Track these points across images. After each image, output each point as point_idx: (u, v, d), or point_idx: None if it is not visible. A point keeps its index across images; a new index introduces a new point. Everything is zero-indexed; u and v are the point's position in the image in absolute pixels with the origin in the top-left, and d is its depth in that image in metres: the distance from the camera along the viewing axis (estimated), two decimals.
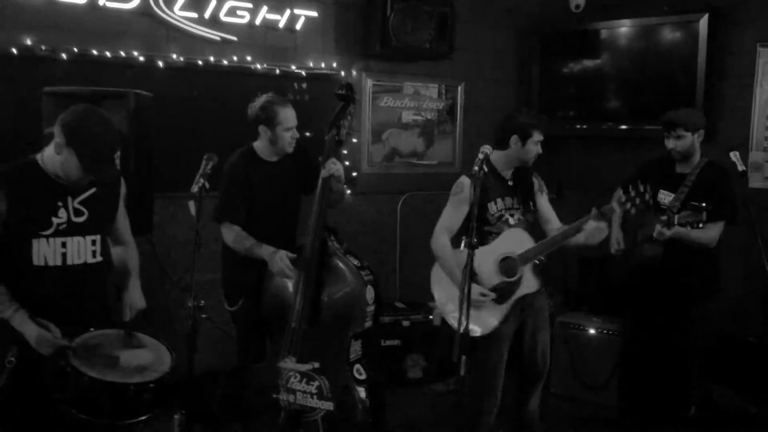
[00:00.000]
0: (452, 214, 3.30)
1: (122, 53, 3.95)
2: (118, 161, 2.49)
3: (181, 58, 4.12)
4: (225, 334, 3.86)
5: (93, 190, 2.54)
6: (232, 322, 3.49)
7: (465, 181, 3.28)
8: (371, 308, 3.17)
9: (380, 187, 5.02)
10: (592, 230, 3.13)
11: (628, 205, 3.05)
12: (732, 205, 3.59)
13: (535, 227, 3.40)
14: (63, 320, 2.41)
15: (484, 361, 3.30)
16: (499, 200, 3.31)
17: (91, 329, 2.48)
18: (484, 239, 3.22)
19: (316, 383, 3.05)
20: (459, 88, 5.31)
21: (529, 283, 3.27)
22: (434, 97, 5.23)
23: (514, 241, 3.25)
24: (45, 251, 2.43)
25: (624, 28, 5.06)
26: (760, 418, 4.12)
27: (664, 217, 3.41)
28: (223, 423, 3.59)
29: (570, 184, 5.23)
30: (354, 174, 4.82)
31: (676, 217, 3.38)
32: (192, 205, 2.68)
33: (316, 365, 3.04)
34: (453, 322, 3.21)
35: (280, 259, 3.07)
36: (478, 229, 2.85)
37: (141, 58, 4.00)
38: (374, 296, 3.18)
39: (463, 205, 3.25)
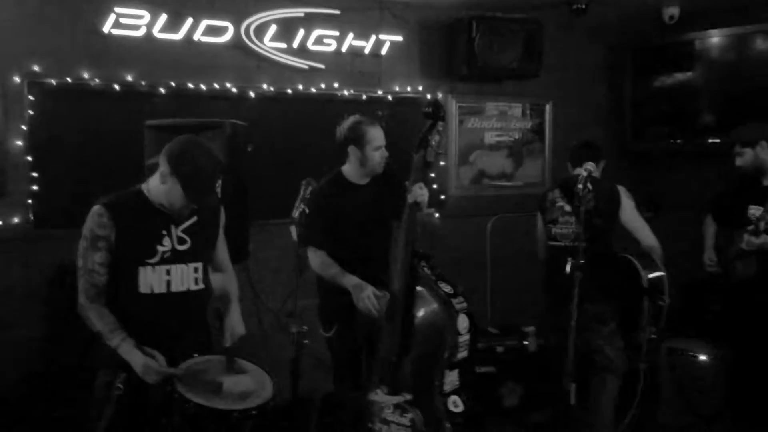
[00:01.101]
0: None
1: (216, 85, 4.07)
2: (219, 190, 2.51)
3: (272, 88, 4.22)
4: (318, 361, 3.85)
5: (195, 218, 2.58)
6: (328, 349, 3.47)
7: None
8: (465, 338, 2.99)
9: (469, 209, 4.94)
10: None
11: None
12: None
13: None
14: (166, 346, 2.44)
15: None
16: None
17: (195, 355, 2.50)
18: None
19: (410, 416, 2.96)
20: (547, 106, 5.21)
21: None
22: (520, 117, 5.14)
23: None
24: (151, 279, 2.48)
25: (718, 38, 4.85)
26: None
27: (752, 227, 3.38)
28: None
29: (666, 201, 5.03)
30: (442, 197, 4.76)
31: (762, 223, 3.32)
32: (294, 230, 2.69)
33: (408, 397, 2.96)
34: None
35: (367, 298, 3.00)
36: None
37: (234, 89, 4.11)
38: (468, 325, 3.01)
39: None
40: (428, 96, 4.68)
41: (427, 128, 3.06)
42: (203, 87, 4.04)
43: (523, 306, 4.83)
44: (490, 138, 5.05)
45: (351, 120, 3.31)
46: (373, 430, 3.04)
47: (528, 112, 5.19)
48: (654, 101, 5.24)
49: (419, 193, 2.99)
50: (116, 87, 3.84)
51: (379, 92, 4.52)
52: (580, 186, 2.78)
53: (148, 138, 3.40)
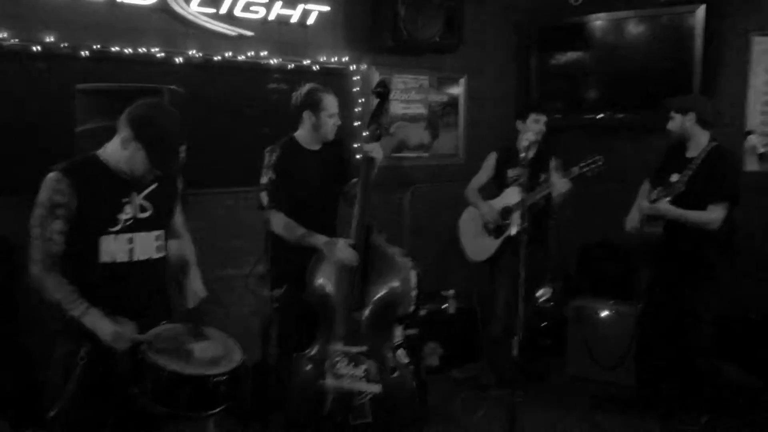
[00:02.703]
0: (480, 175, 4.62)
1: (141, 50, 3.93)
2: (183, 155, 2.49)
3: (199, 54, 4.12)
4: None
5: (155, 185, 2.55)
6: (274, 311, 3.52)
7: (492, 154, 4.62)
8: (415, 293, 3.27)
9: (390, 179, 5.07)
10: (556, 184, 4.12)
11: (585, 169, 4.06)
12: (730, 187, 3.74)
13: None
14: (129, 316, 2.42)
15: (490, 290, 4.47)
16: (516, 168, 4.38)
17: (164, 323, 2.49)
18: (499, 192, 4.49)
19: (364, 366, 3.12)
20: (461, 80, 5.41)
21: (514, 225, 4.29)
22: (439, 90, 5.32)
23: (511, 196, 4.38)
24: (113, 248, 2.44)
25: (620, 19, 5.22)
26: (765, 392, 4.34)
27: (648, 195, 3.84)
28: (260, 416, 3.63)
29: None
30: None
31: (654, 192, 3.77)
32: (263, 196, 2.71)
33: (365, 348, 3.13)
34: (474, 256, 4.60)
35: (343, 249, 3.16)
36: (499, 186, 4.53)
37: (160, 55, 3.98)
38: (416, 281, 3.28)
39: (487, 170, 4.60)
40: (353, 67, 4.75)
41: (377, 105, 3.38)
42: (128, 51, 3.88)
43: (441, 272, 5.07)
44: (414, 109, 5.19)
45: (308, 86, 3.44)
46: (326, 386, 3.15)
47: (447, 86, 5.38)
48: (559, 78, 5.59)
49: (374, 147, 3.30)
50: (35, 48, 3.62)
51: (306, 62, 4.54)
52: (523, 155, 2.99)
53: (80, 103, 3.26)
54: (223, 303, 4.06)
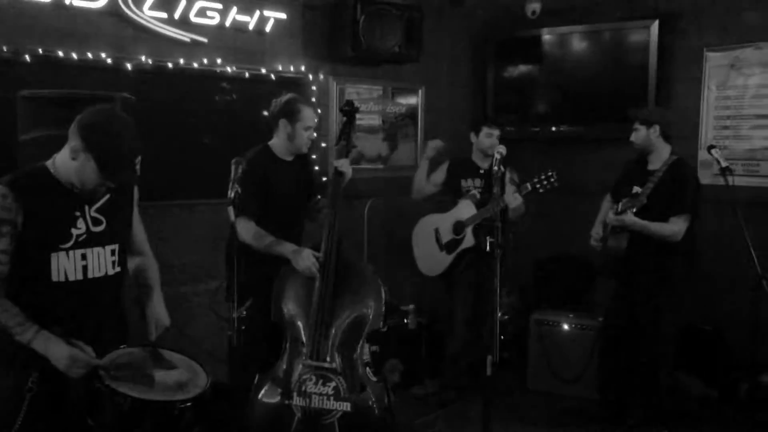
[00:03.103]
0: (424, 167, 4.64)
1: (89, 55, 3.72)
2: (138, 167, 2.32)
3: (150, 60, 3.93)
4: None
5: (108, 196, 2.37)
6: (235, 330, 3.35)
7: (445, 163, 4.66)
8: (383, 309, 3.19)
9: (347, 191, 4.92)
10: (510, 198, 4.03)
11: (537, 185, 4.00)
12: (691, 200, 3.77)
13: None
14: (84, 339, 2.23)
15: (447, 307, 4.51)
16: (470, 179, 4.49)
17: (123, 346, 2.31)
18: (446, 206, 4.48)
19: (333, 384, 3.00)
20: (420, 92, 5.35)
21: (468, 239, 4.32)
22: (397, 102, 5.24)
23: (464, 210, 4.36)
24: (65, 265, 2.25)
25: (576, 33, 5.26)
26: (721, 401, 4.38)
27: (616, 206, 3.84)
28: None
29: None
30: (324, 179, 4.74)
31: (620, 204, 3.78)
32: (231, 211, 2.56)
33: (334, 365, 3.02)
34: (426, 271, 4.57)
35: (307, 257, 3.09)
36: (452, 199, 4.50)
37: (109, 60, 3.78)
38: (385, 297, 3.22)
39: (439, 173, 4.63)
40: (310, 76, 4.63)
41: (345, 123, 3.44)
42: (74, 56, 3.67)
43: (400, 286, 4.97)
44: (371, 120, 5.09)
45: (288, 96, 3.43)
46: (293, 406, 2.99)
47: (405, 97, 5.31)
48: (515, 91, 5.59)
49: (344, 163, 3.31)
50: None
51: (263, 70, 4.39)
52: (495, 168, 2.95)
53: (23, 110, 3.04)
54: (177, 323, 3.84)
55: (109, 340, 2.33)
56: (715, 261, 4.44)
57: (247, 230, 3.18)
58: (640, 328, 3.91)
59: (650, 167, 3.89)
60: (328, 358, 3.03)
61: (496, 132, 4.41)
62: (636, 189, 3.88)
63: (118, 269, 2.40)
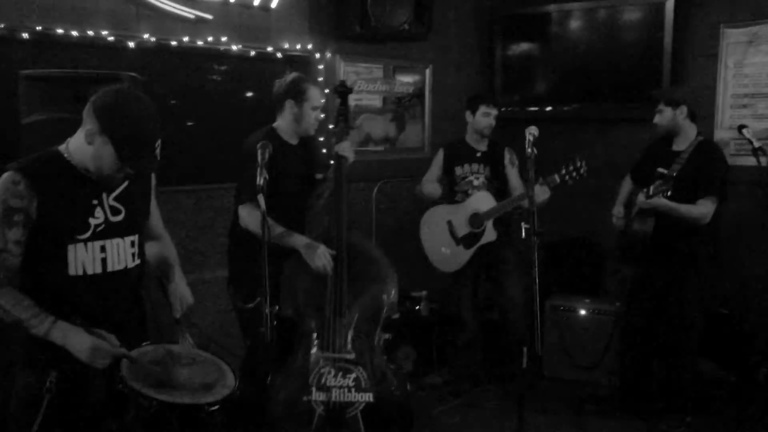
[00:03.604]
0: (432, 171, 4.37)
1: (90, 32, 3.52)
2: (158, 152, 2.15)
3: (153, 38, 3.73)
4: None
5: (126, 183, 2.21)
6: (243, 326, 3.22)
7: (440, 151, 4.40)
8: (397, 295, 3.15)
9: (355, 174, 4.78)
10: (539, 194, 3.63)
11: (566, 177, 3.73)
12: (719, 182, 3.65)
13: (505, 193, 4.17)
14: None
15: (454, 297, 4.31)
16: (466, 165, 4.21)
17: (145, 343, 2.16)
18: (452, 196, 4.25)
19: (353, 375, 2.90)
20: (427, 71, 5.18)
21: (489, 234, 4.08)
22: (405, 81, 5.07)
23: (483, 201, 4.09)
24: (83, 258, 2.09)
25: (587, 9, 5.09)
26: (739, 386, 4.30)
27: (646, 189, 3.61)
28: None
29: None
30: (331, 162, 4.58)
31: (652, 187, 3.56)
32: (261, 199, 2.40)
33: (353, 356, 2.94)
34: (442, 267, 4.27)
35: (322, 255, 2.95)
36: (448, 186, 4.29)
37: (110, 38, 3.59)
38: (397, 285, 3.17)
39: (436, 167, 4.35)
40: (317, 55, 4.45)
41: (340, 105, 3.32)
42: (74, 33, 3.47)
43: (411, 271, 4.82)
44: (379, 101, 4.92)
45: (293, 75, 3.26)
46: (312, 401, 2.88)
47: (413, 76, 5.13)
48: (524, 69, 5.43)
49: (346, 146, 3.20)
50: None
51: (269, 49, 4.21)
52: (529, 150, 2.81)
53: (25, 91, 2.85)
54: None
55: (130, 335, 2.17)
56: (731, 242, 4.36)
57: (255, 218, 2.92)
58: (665, 313, 3.81)
59: (676, 148, 3.76)
60: (348, 349, 2.93)
61: (494, 111, 4.15)
62: (661, 170, 3.76)
63: (138, 261, 2.25)
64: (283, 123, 3.24)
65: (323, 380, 2.88)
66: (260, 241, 2.85)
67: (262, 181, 2.42)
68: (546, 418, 3.96)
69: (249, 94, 4.19)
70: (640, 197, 3.62)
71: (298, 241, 3.03)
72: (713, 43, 4.67)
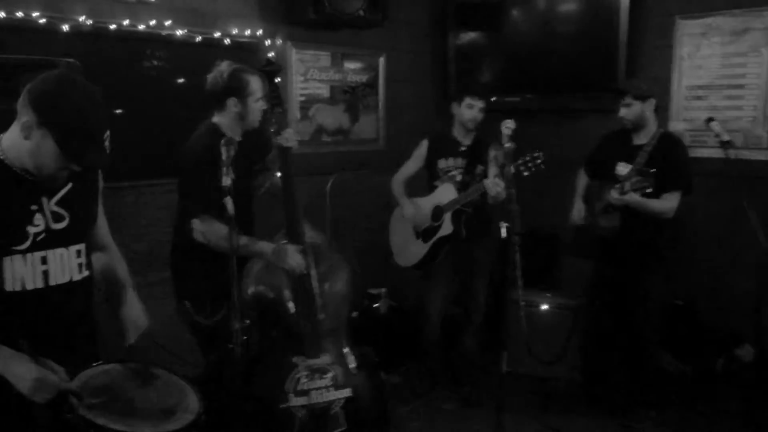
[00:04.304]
0: (409, 165, 4.18)
1: (19, 14, 3.19)
2: (107, 144, 1.90)
3: (90, 21, 3.42)
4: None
5: (70, 185, 1.96)
6: (201, 340, 2.99)
7: (424, 141, 4.16)
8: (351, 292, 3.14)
9: (309, 167, 4.58)
10: (490, 184, 3.66)
11: (522, 168, 3.48)
12: (687, 175, 3.62)
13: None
14: (47, 357, 1.83)
15: (422, 292, 4.15)
16: (450, 159, 4.04)
17: (95, 364, 1.92)
18: (431, 190, 4.06)
19: (330, 374, 2.87)
20: (381, 59, 4.99)
21: (446, 227, 3.94)
22: (358, 70, 4.88)
23: (444, 193, 3.97)
24: (21, 271, 1.84)
25: None
26: (697, 377, 4.32)
27: (619, 185, 3.52)
28: None
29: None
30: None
31: (628, 183, 3.47)
32: (229, 202, 2.16)
33: (329, 359, 2.90)
34: (402, 261, 4.17)
35: (293, 255, 2.80)
36: (429, 180, 4.10)
37: (41, 20, 3.26)
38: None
39: (418, 159, 4.15)
40: (267, 42, 4.20)
41: (271, 86, 3.05)
42: (2, 14, 3.14)
43: (368, 268, 4.66)
44: (332, 91, 4.71)
45: (227, 67, 2.94)
46: (291, 408, 2.80)
47: (366, 65, 4.93)
48: (478, 58, 5.31)
49: (290, 135, 3.01)
50: None
51: (216, 34, 3.94)
52: (507, 145, 2.68)
53: None
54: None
55: (79, 356, 1.94)
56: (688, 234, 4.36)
57: (215, 231, 2.71)
58: (627, 307, 3.76)
59: (637, 142, 3.70)
60: (320, 351, 2.86)
61: (479, 104, 3.96)
62: (621, 165, 3.69)
63: (86, 273, 2.01)
64: (225, 120, 2.96)
65: (299, 385, 2.82)
66: (219, 253, 2.67)
67: (228, 182, 2.18)
68: (513, 417, 3.86)
69: (194, 83, 3.90)
70: (613, 193, 3.52)
71: (265, 247, 2.86)
72: (668, 35, 4.65)
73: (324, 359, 2.87)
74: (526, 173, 3.53)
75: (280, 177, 2.99)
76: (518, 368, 4.42)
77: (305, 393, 2.80)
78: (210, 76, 2.94)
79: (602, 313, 3.88)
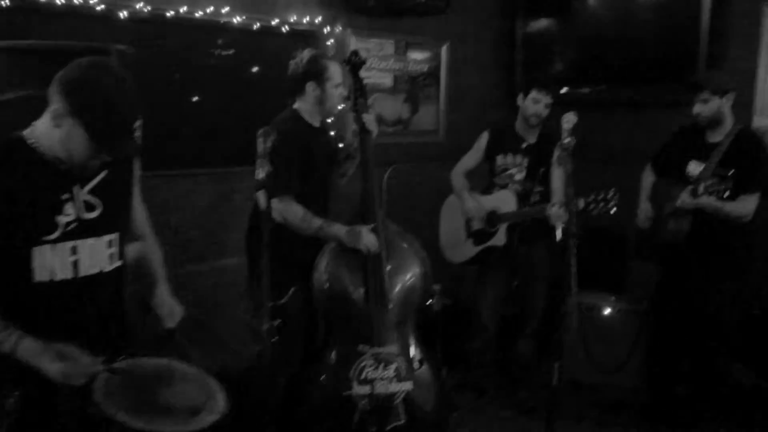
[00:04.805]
0: (469, 157, 3.97)
1: (77, 1, 3.20)
2: (138, 133, 1.85)
3: (148, 8, 3.41)
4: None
5: (104, 173, 1.92)
6: (273, 320, 2.98)
7: (484, 134, 3.94)
8: (430, 280, 3.14)
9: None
10: (553, 215, 3.37)
11: (592, 206, 3.19)
12: (764, 175, 3.31)
13: (541, 195, 3.79)
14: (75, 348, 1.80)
15: (476, 296, 4.02)
16: (509, 155, 3.81)
17: (122, 357, 1.88)
18: (489, 188, 3.89)
19: (394, 365, 2.89)
20: (443, 48, 4.83)
21: (500, 237, 3.75)
22: (418, 59, 4.73)
23: (504, 201, 3.76)
24: (50, 261, 1.80)
25: None
26: None
27: (691, 187, 3.26)
28: None
29: None
30: (340, 145, 4.28)
31: (702, 185, 3.20)
32: (261, 196, 2.09)
33: (396, 349, 2.93)
34: (448, 255, 4.04)
35: (367, 235, 2.86)
36: (489, 175, 3.90)
37: (99, 7, 3.27)
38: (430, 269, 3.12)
39: (477, 152, 3.92)
40: (326, 29, 4.12)
41: (355, 77, 3.10)
42: (59, 2, 3.16)
43: None
44: (392, 80, 4.59)
45: (309, 53, 3.05)
46: (354, 396, 2.84)
47: (428, 54, 4.78)
48: (540, 48, 5.06)
49: (371, 119, 3.04)
50: None
51: (274, 21, 3.88)
52: (568, 139, 2.51)
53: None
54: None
55: (109, 347, 1.90)
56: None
57: (293, 213, 2.86)
58: (697, 315, 3.50)
59: (711, 139, 3.40)
60: (388, 340, 2.88)
61: (546, 99, 3.67)
62: (693, 164, 3.43)
63: (117, 263, 1.97)
64: (304, 105, 3.04)
65: (364, 373, 2.86)
66: (294, 235, 2.85)
67: (263, 174, 2.11)
68: (567, 428, 3.68)
69: (252, 71, 3.87)
70: (684, 196, 3.26)
71: (339, 230, 2.91)
72: (754, 23, 4.31)
73: (390, 349, 2.88)
74: (594, 213, 3.21)
75: (361, 160, 3.07)
76: (577, 376, 4.23)
77: (369, 382, 2.84)
78: (291, 62, 3.03)
79: (668, 319, 3.63)
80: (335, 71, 3.01)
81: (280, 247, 2.79)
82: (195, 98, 3.71)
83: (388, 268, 2.95)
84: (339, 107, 3.12)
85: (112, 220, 1.94)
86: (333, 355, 2.92)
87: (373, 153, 3.02)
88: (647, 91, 4.68)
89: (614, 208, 3.13)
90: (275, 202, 2.81)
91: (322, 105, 3.03)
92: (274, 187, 2.73)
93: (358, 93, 3.06)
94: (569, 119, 2.59)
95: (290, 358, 2.93)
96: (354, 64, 3.09)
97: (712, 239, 3.35)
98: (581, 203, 3.23)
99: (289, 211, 2.85)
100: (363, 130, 3.01)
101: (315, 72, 2.97)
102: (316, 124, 3.10)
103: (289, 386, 2.90)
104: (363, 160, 3.02)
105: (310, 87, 2.98)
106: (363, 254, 2.88)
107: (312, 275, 2.93)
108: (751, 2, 4.31)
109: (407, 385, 2.91)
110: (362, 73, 3.14)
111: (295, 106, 3.06)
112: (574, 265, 2.27)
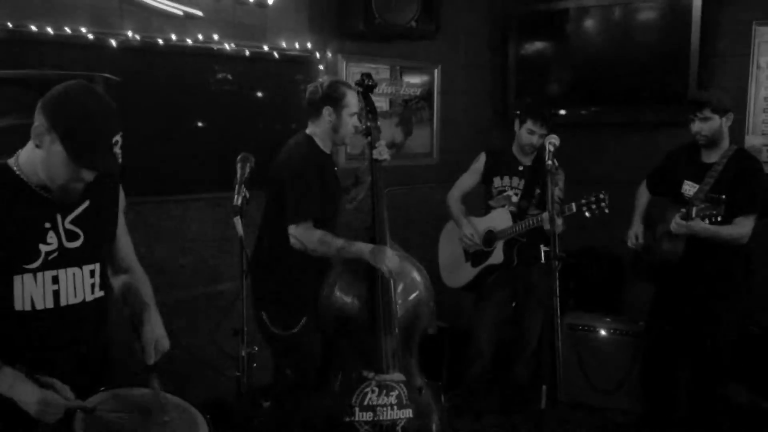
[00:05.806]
0: (465, 179, 3.99)
1: (68, 30, 3.23)
2: (118, 151, 1.84)
3: (138, 36, 3.44)
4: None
5: (87, 203, 1.92)
6: (279, 352, 3.01)
7: (482, 155, 3.99)
8: (433, 306, 3.09)
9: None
10: (548, 223, 3.22)
11: (584, 208, 3.30)
12: (762, 197, 3.29)
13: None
14: (59, 380, 1.78)
15: (473, 320, 4.00)
16: (506, 178, 3.85)
17: (102, 389, 1.86)
18: (486, 210, 3.90)
19: (396, 392, 2.86)
20: (435, 71, 4.86)
21: (497, 255, 3.76)
22: (411, 83, 4.76)
23: (499, 219, 3.78)
24: (31, 291, 1.80)
25: (609, 5, 4.74)
26: None
27: (683, 210, 3.22)
28: None
29: None
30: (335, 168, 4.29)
31: (694, 209, 3.15)
32: (238, 222, 2.08)
33: (403, 377, 2.89)
34: (447, 281, 4.02)
35: (393, 257, 2.82)
36: (485, 197, 3.93)
37: (90, 36, 3.29)
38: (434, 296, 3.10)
39: (474, 174, 3.96)
40: (318, 55, 4.14)
41: (367, 101, 3.09)
42: (50, 31, 3.18)
43: None
44: (384, 104, 4.60)
45: (329, 79, 3.09)
46: (356, 422, 2.80)
47: (420, 77, 4.81)
48: (540, 70, 5.09)
49: (384, 149, 3.04)
50: None
51: (265, 48, 3.90)
52: (549, 162, 2.50)
53: None
54: (175, 333, 3.41)
55: (88, 381, 1.88)
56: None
57: (309, 236, 2.82)
58: (696, 336, 3.47)
59: (707, 159, 3.38)
60: (394, 367, 2.85)
61: (541, 131, 3.66)
62: (687, 184, 3.41)
63: (99, 293, 1.95)
64: (319, 130, 3.04)
65: (367, 400, 2.83)
66: (298, 265, 2.84)
67: (240, 201, 2.10)
68: None
69: (244, 97, 3.89)
70: (677, 220, 3.22)
71: (364, 248, 2.85)
72: (744, 42, 4.33)
73: (395, 376, 2.85)
74: (588, 214, 3.32)
75: (372, 187, 3.04)
76: (573, 397, 4.19)
77: (371, 408, 2.81)
78: (310, 86, 3.05)
79: (663, 339, 3.60)
80: (352, 100, 3.02)
81: (289, 275, 2.89)
82: (187, 124, 3.71)
83: (397, 292, 2.93)
84: (350, 137, 3.11)
85: (95, 250, 1.94)
86: (337, 380, 2.89)
87: (383, 177, 3.02)
88: (639, 112, 4.70)
89: (606, 209, 3.24)
90: (292, 228, 2.82)
91: (336, 132, 3.02)
92: (292, 212, 2.83)
93: (370, 117, 3.04)
94: (552, 141, 2.60)
95: (306, 388, 2.94)
96: (366, 86, 3.09)
97: (708, 260, 3.32)
98: (573, 207, 3.36)
99: (306, 236, 2.83)
100: (376, 161, 3.00)
101: (334, 97, 2.97)
102: (327, 150, 3.09)
103: (276, 412, 2.87)
104: (375, 189, 2.99)
105: (326, 111, 2.98)
106: (373, 277, 2.84)
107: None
108: (741, 22, 4.34)
109: (408, 413, 2.89)
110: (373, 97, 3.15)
111: (308, 131, 3.06)
112: (557, 287, 2.25)
